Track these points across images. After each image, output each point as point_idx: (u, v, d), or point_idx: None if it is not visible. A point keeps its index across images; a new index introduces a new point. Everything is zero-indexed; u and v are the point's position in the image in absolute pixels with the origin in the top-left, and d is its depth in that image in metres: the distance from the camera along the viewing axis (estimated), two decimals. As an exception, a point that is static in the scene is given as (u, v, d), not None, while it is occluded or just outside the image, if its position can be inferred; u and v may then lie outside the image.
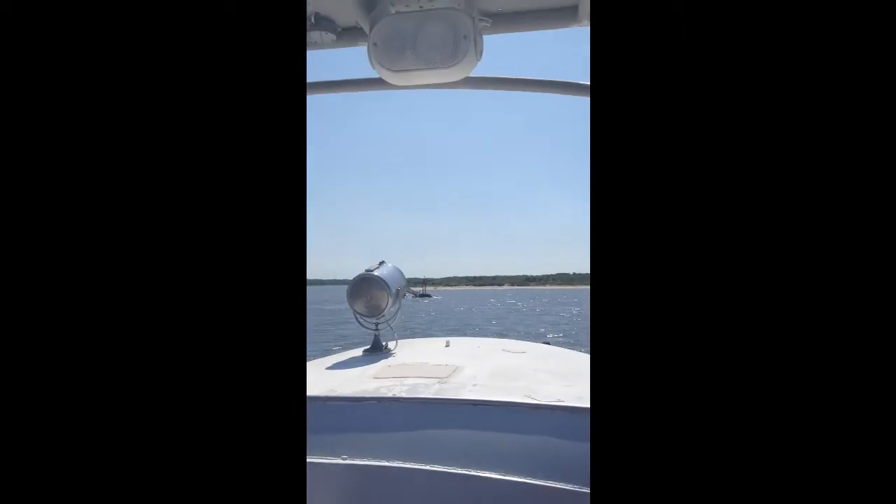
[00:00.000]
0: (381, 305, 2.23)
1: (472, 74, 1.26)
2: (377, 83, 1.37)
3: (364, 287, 2.24)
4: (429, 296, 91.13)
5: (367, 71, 1.29)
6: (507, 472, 1.23)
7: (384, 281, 2.23)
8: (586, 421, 1.29)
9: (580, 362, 2.31)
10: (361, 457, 1.31)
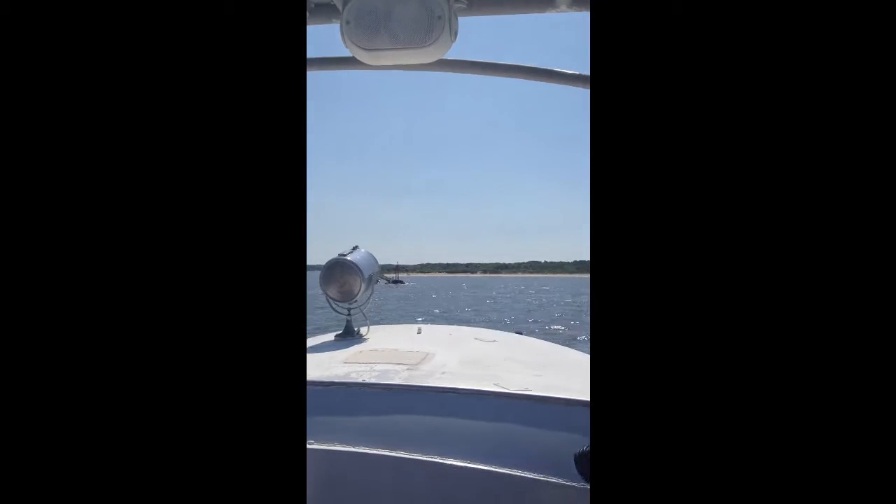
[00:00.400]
0: (353, 290, 2.22)
1: (447, 57, 1.25)
2: (350, 62, 1.35)
3: (337, 272, 2.22)
4: (401, 282, 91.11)
5: (340, 50, 1.27)
6: (472, 460, 1.23)
7: (357, 266, 2.22)
8: (552, 410, 1.36)
9: (551, 353, 2.31)
10: (328, 442, 1.32)
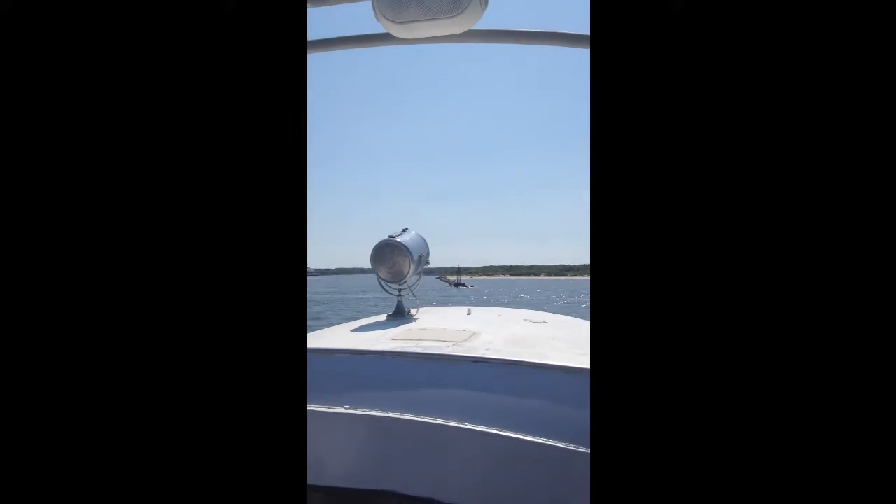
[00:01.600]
0: (403, 271, 2.32)
1: (479, 27, 1.23)
2: (381, 38, 1.35)
3: (386, 253, 2.32)
4: (463, 285, 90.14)
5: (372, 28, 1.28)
6: (505, 429, 1.24)
7: (406, 247, 2.31)
8: (587, 384, 1.31)
9: None
10: (363, 407, 1.35)
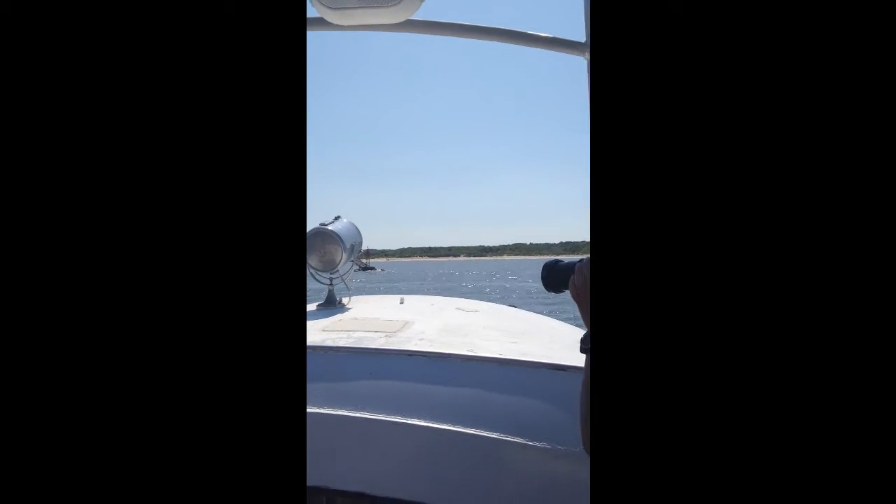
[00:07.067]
0: (335, 260, 2.27)
1: (418, 17, 1.22)
2: (316, 23, 1.31)
3: (318, 241, 2.25)
4: (372, 268, 78.84)
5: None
6: (437, 421, 1.25)
7: (338, 235, 2.25)
8: (517, 374, 1.39)
9: (533, 322, 2.27)
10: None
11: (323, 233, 2.24)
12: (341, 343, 1.56)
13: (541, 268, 1.00)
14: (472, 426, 1.21)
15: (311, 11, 1.18)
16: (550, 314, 2.71)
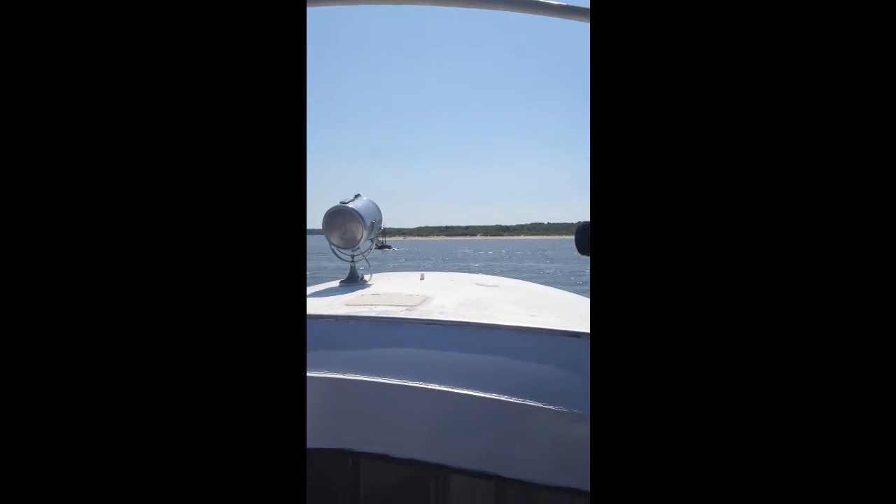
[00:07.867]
0: (356, 237, 2.30)
1: None
2: None
3: (339, 219, 2.28)
4: (388, 246, 79.21)
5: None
6: (456, 386, 1.28)
7: (358, 213, 2.27)
8: (533, 341, 1.45)
9: (552, 296, 2.32)
10: (318, 370, 1.38)
11: (343, 210, 2.26)
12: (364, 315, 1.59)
13: (574, 234, 1.10)
14: (490, 391, 1.24)
15: None
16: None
